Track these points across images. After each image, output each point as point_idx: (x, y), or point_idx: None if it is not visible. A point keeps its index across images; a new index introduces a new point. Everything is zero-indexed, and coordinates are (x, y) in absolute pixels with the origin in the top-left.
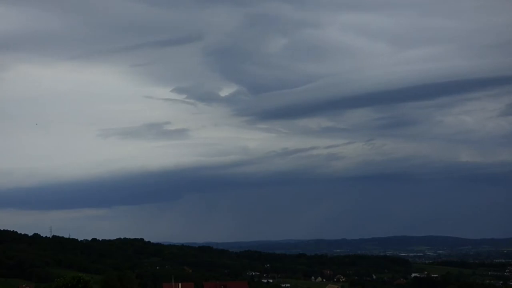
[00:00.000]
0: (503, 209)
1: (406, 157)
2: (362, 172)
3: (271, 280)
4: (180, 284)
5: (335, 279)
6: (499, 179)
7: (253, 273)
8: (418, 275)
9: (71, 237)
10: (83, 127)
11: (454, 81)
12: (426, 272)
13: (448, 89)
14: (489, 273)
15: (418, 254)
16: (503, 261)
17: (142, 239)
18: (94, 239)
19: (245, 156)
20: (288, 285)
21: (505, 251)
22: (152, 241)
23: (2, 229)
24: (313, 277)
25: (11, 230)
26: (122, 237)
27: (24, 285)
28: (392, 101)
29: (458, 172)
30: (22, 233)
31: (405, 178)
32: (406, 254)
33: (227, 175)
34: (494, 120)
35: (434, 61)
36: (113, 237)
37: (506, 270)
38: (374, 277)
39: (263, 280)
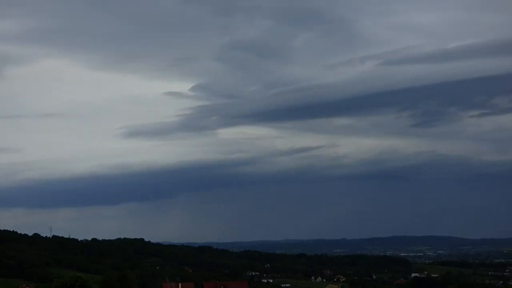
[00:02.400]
0: (503, 209)
1: (406, 156)
2: (363, 171)
3: (271, 280)
4: (180, 284)
5: (335, 279)
6: (498, 178)
7: (253, 273)
8: (418, 275)
9: (71, 237)
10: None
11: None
12: (426, 272)
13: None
14: (489, 273)
15: (418, 254)
16: (503, 261)
17: (142, 239)
18: (94, 239)
19: (247, 155)
20: (288, 285)
21: (505, 251)
22: (152, 241)
23: (2, 229)
24: (313, 277)
25: (11, 230)
26: (122, 237)
27: (24, 285)
28: (412, 99)
29: (458, 171)
30: (22, 233)
31: (405, 178)
32: (406, 254)
33: (228, 174)
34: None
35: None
36: (113, 237)
37: (506, 270)
38: (374, 277)
39: (263, 280)
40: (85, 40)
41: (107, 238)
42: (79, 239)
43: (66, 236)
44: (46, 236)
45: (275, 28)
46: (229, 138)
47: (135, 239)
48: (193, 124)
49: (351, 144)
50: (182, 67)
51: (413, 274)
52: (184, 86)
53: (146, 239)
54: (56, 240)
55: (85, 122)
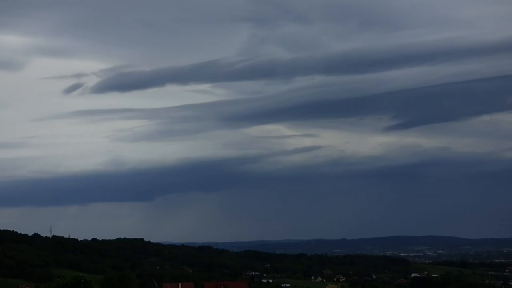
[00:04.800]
0: (503, 209)
1: (406, 156)
2: (362, 171)
3: (271, 280)
4: (180, 284)
5: (335, 279)
6: (499, 178)
7: (253, 273)
8: (418, 275)
9: (71, 237)
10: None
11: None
12: (426, 272)
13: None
14: (489, 273)
15: (418, 254)
16: (503, 261)
17: (142, 239)
18: (94, 239)
19: (247, 154)
20: (288, 285)
21: (505, 251)
22: (152, 241)
23: (2, 229)
24: (313, 277)
25: (11, 230)
26: (122, 237)
27: (24, 285)
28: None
29: (458, 171)
30: (22, 233)
31: (405, 178)
32: (406, 254)
33: (228, 174)
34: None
35: None
36: (113, 237)
37: (506, 270)
38: (374, 277)
39: (263, 280)
40: (105, 38)
41: (107, 238)
42: (79, 239)
43: (66, 236)
44: (46, 236)
45: (304, 24)
46: (232, 136)
47: (135, 239)
48: (193, 123)
49: (354, 143)
50: (204, 65)
51: (413, 274)
52: (204, 83)
53: (146, 239)
54: (56, 240)
55: (93, 121)
